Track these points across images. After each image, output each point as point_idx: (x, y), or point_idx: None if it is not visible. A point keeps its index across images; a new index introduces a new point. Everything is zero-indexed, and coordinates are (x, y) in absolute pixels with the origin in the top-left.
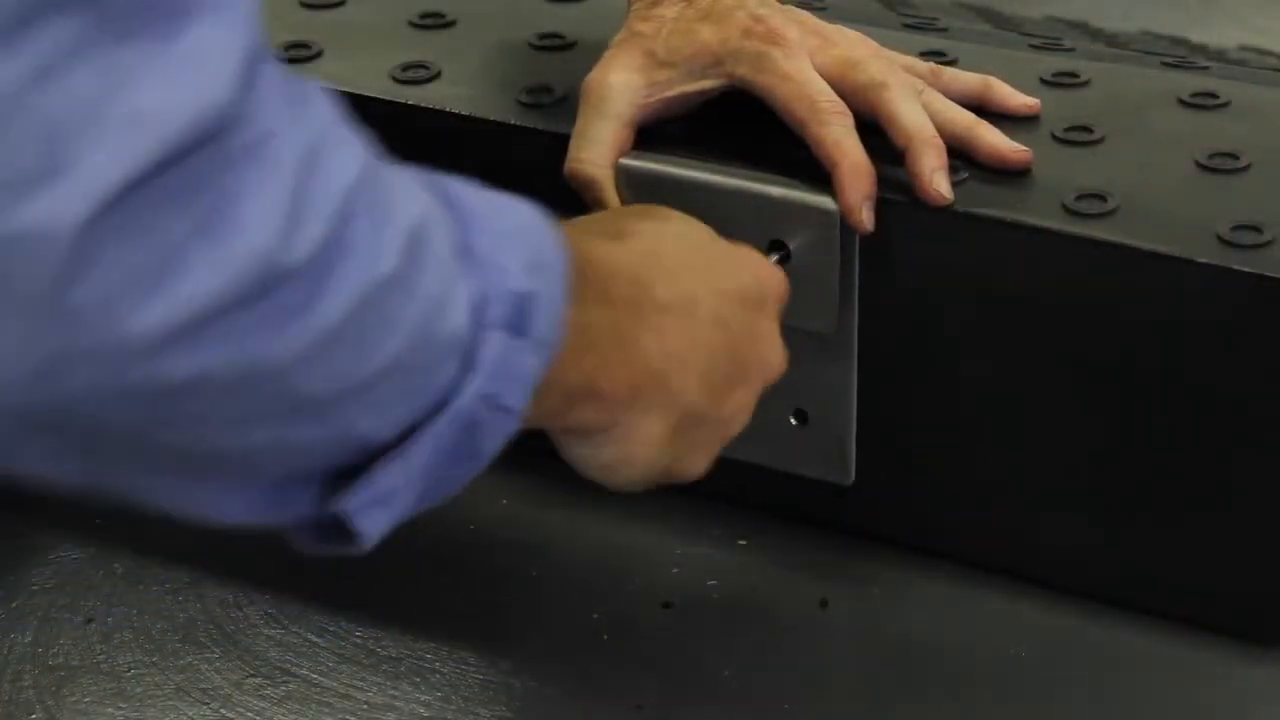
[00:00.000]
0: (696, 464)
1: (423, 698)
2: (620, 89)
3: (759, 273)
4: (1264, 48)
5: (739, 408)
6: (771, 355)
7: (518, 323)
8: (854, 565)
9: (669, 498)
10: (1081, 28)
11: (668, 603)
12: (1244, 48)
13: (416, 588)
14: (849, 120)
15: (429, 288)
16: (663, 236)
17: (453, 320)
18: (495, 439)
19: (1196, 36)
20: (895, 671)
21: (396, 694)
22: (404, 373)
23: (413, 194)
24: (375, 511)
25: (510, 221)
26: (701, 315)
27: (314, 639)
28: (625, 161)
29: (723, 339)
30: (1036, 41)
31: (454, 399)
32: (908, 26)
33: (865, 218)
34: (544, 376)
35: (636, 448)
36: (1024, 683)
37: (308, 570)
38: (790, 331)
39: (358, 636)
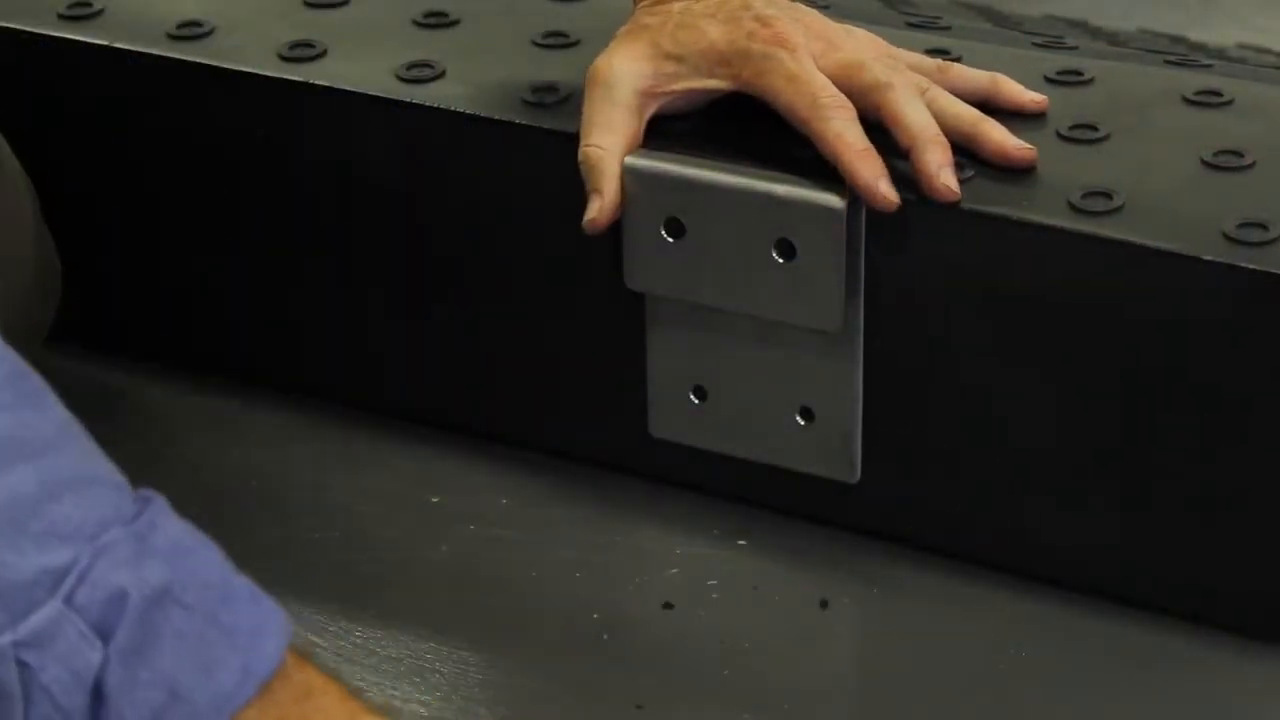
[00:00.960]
0: None
1: (423, 698)
2: (626, 75)
3: None
4: (1263, 46)
5: None
6: None
7: (109, 615)
8: (854, 565)
9: (669, 498)
10: (1081, 26)
11: (668, 603)
12: (1243, 46)
13: (417, 588)
14: (851, 114)
15: None
16: None
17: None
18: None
19: (1195, 35)
20: (895, 671)
21: (396, 694)
22: None
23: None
24: None
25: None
26: None
27: (314, 639)
28: (631, 160)
29: None
30: (1039, 40)
31: None
32: (911, 25)
33: (886, 191)
34: None
35: None
36: (1025, 682)
37: (308, 570)
38: (796, 330)
39: (358, 636)
